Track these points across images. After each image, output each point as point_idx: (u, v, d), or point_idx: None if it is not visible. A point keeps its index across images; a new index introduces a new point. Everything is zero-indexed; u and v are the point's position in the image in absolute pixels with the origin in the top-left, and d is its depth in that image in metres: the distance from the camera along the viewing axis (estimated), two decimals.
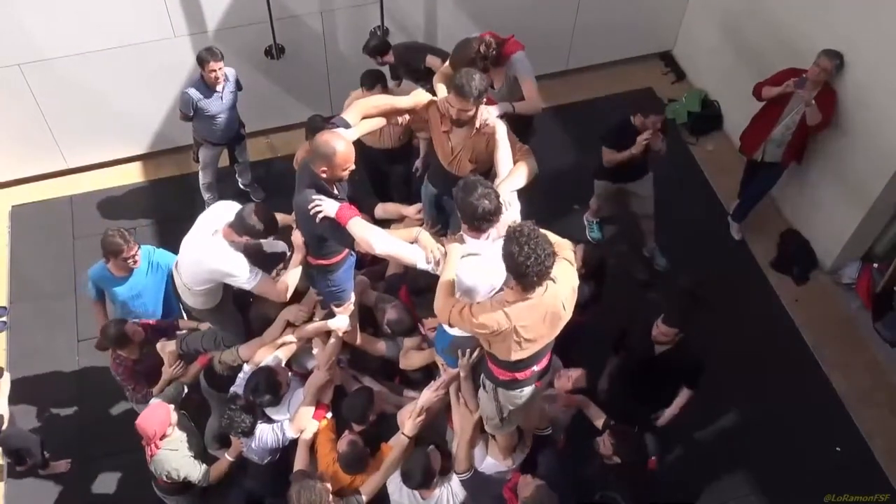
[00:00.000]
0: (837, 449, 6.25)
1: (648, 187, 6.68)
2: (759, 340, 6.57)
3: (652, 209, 6.80)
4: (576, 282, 3.82)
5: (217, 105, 6.64)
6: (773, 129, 6.63)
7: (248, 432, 4.72)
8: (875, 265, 7.04)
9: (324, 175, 4.05)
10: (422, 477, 4.29)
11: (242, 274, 4.40)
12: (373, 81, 6.06)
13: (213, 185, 7.35)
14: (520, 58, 5.35)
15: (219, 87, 6.59)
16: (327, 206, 4.00)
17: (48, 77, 7.01)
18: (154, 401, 5.00)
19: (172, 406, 4.94)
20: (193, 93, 6.56)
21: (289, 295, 4.54)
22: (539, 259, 3.40)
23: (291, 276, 4.52)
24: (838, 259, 7.11)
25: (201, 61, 6.42)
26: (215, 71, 6.42)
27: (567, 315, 3.81)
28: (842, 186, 6.80)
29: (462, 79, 4.33)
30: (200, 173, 7.29)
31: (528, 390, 4.06)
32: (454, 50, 5.09)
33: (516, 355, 3.77)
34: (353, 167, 4.13)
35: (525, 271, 3.43)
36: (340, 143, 4.00)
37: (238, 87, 6.80)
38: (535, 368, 3.97)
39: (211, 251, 4.41)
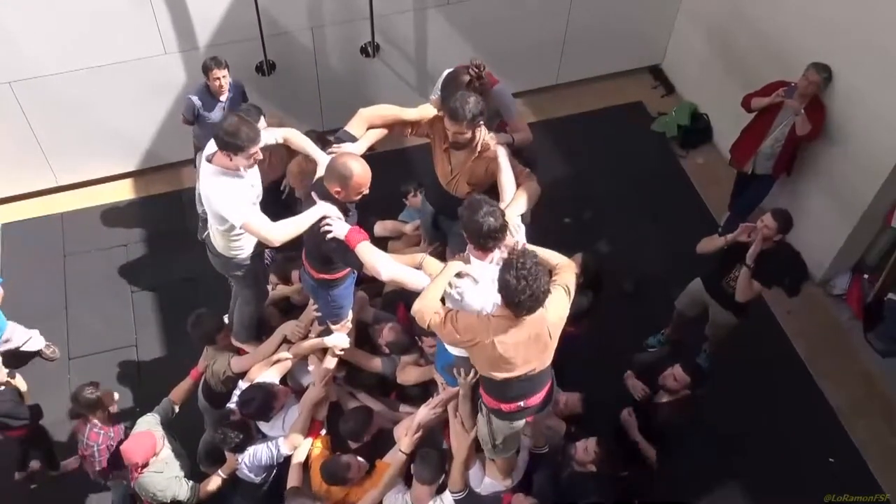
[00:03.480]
0: (831, 460, 6.27)
1: (727, 323, 6.11)
2: (751, 352, 6.57)
3: (716, 336, 6.37)
4: (565, 312, 3.82)
5: (219, 114, 6.63)
6: (763, 142, 6.68)
7: (240, 448, 4.70)
8: (865, 276, 7.08)
9: (337, 195, 4.04)
10: (439, 461, 4.37)
11: (227, 207, 4.19)
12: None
13: None
14: (502, 90, 5.24)
15: (222, 97, 6.61)
16: (337, 228, 3.99)
17: (38, 94, 7.00)
18: (139, 427, 4.95)
19: (161, 431, 4.91)
20: (196, 100, 6.59)
21: (279, 240, 4.19)
22: (534, 295, 3.46)
23: (291, 225, 4.14)
24: (829, 270, 7.14)
25: (205, 69, 6.45)
26: (219, 79, 6.45)
27: (551, 344, 3.81)
28: (832, 198, 6.84)
29: (456, 102, 4.29)
30: (197, 182, 7.29)
31: (518, 424, 4.06)
32: (443, 85, 4.91)
33: (497, 374, 3.77)
34: (366, 192, 4.08)
35: (517, 301, 3.48)
36: (358, 167, 3.98)
37: (244, 98, 6.81)
38: (522, 404, 3.95)
39: (202, 176, 4.32)
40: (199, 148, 6.99)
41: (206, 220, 4.75)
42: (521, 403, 3.93)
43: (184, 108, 6.76)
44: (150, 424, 4.94)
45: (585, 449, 4.61)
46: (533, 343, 3.72)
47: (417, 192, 5.90)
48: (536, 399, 4.00)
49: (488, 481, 4.47)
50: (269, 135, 4.37)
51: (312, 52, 7.55)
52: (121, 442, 5.04)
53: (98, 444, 5.06)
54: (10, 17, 6.45)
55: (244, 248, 4.63)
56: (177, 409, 5.15)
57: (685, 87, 8.82)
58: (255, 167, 4.39)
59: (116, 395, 5.19)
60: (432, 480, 4.36)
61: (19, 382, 5.67)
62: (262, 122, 5.50)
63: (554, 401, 4.89)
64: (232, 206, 4.19)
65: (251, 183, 4.39)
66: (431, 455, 4.36)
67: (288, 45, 7.40)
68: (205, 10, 6.94)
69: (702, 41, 8.25)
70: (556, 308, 3.74)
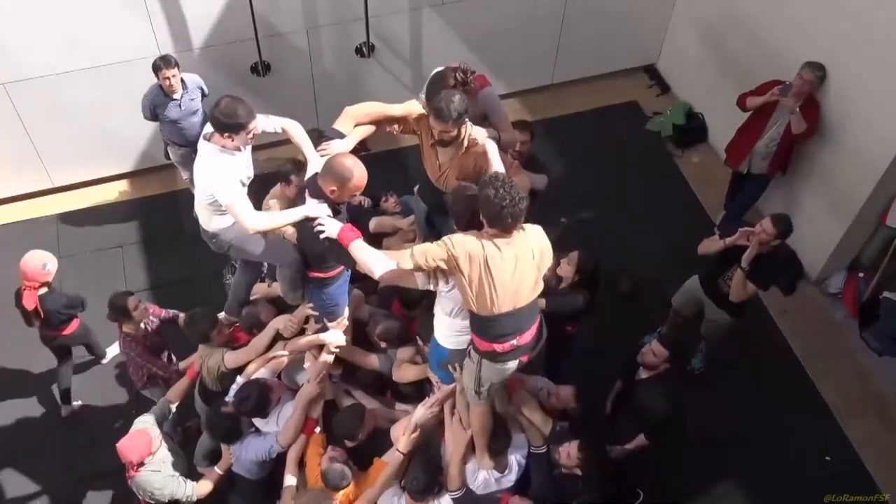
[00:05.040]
0: (827, 458, 6.28)
1: (721, 322, 6.14)
2: (747, 351, 6.58)
3: (713, 336, 6.40)
4: (547, 244, 3.96)
5: (175, 111, 6.70)
6: (758, 141, 6.69)
7: (232, 437, 4.72)
8: (861, 274, 7.09)
9: (331, 195, 4.04)
10: (426, 478, 4.32)
11: (220, 184, 4.20)
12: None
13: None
14: (490, 93, 5.21)
15: (175, 95, 6.66)
16: (330, 227, 4.00)
17: (33, 96, 6.99)
18: (136, 426, 4.94)
19: (157, 430, 4.90)
20: (149, 100, 6.68)
21: (255, 228, 4.26)
22: (514, 201, 3.64)
23: (275, 217, 4.26)
24: (824, 269, 7.16)
25: (155, 69, 6.52)
26: (168, 78, 6.50)
27: (537, 268, 3.86)
28: (827, 197, 6.85)
29: (441, 101, 4.29)
30: (180, 170, 7.39)
31: (511, 366, 4.05)
32: (429, 85, 4.88)
33: (490, 306, 3.78)
34: (359, 194, 4.14)
35: (500, 212, 3.65)
36: (358, 170, 3.99)
37: (203, 94, 6.85)
38: (516, 342, 3.94)
39: (200, 154, 4.35)
40: (167, 143, 7.07)
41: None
42: (514, 342, 3.94)
43: (142, 108, 6.81)
44: (145, 424, 4.94)
45: (568, 454, 4.57)
46: (521, 267, 3.80)
47: (388, 197, 5.94)
48: (528, 336, 4.01)
49: (483, 477, 4.47)
50: (269, 123, 4.39)
51: (308, 53, 7.55)
52: (156, 344, 5.67)
53: (134, 349, 5.50)
54: (4, 18, 6.45)
55: (226, 223, 4.57)
56: (174, 408, 5.15)
57: (680, 87, 8.83)
58: (249, 148, 4.41)
59: (149, 309, 5.64)
60: (423, 499, 4.36)
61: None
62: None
63: (549, 394, 4.89)
64: (224, 184, 4.22)
65: (246, 164, 4.41)
66: (419, 479, 4.33)
67: (283, 45, 7.40)
68: (199, 11, 6.94)
69: (697, 41, 8.27)
70: (537, 236, 3.91)
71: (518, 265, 3.79)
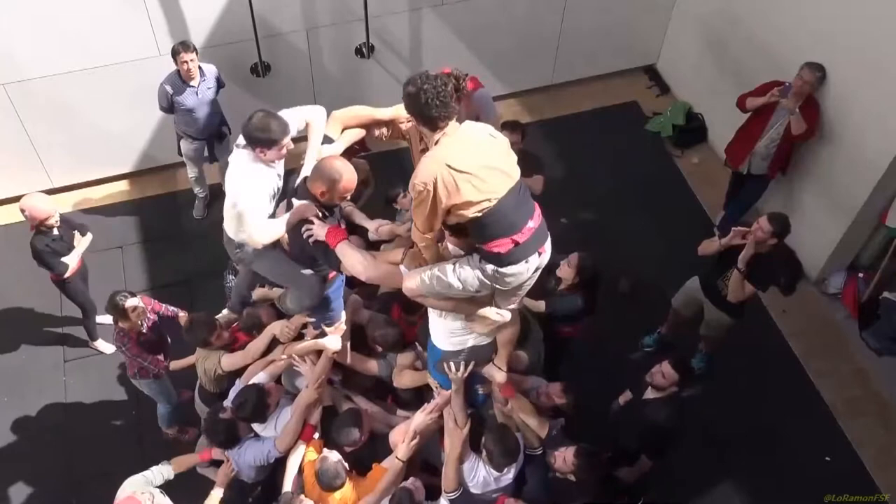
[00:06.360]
0: (827, 458, 6.28)
1: (721, 323, 6.15)
2: (747, 351, 6.59)
3: (712, 337, 6.38)
4: (486, 125, 3.76)
5: (192, 99, 6.70)
6: (758, 142, 6.69)
7: (228, 443, 4.72)
8: (860, 275, 7.10)
9: (321, 197, 4.02)
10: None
11: (247, 191, 4.15)
12: None
13: (200, 179, 7.42)
14: (483, 95, 5.12)
15: (193, 82, 6.65)
16: (317, 229, 3.98)
17: (33, 96, 6.98)
18: (124, 491, 4.75)
19: (147, 492, 4.71)
20: (167, 87, 6.67)
21: (261, 243, 4.21)
22: (436, 87, 3.42)
23: (276, 226, 4.18)
24: (824, 269, 7.16)
25: (174, 53, 6.51)
26: (186, 62, 6.49)
27: (498, 144, 3.69)
28: (826, 197, 6.85)
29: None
30: (187, 167, 7.36)
31: (533, 260, 3.83)
32: None
33: (490, 194, 3.56)
34: (348, 196, 4.10)
35: (427, 101, 3.43)
36: (347, 171, 3.96)
37: (220, 84, 6.86)
38: (531, 224, 3.75)
39: (233, 162, 4.29)
40: (180, 135, 7.05)
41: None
42: (530, 223, 3.74)
43: (158, 96, 6.80)
44: (134, 488, 4.73)
45: (564, 459, 4.53)
46: (478, 142, 3.61)
47: (406, 193, 5.92)
48: (538, 217, 3.82)
49: (482, 476, 4.46)
50: (294, 120, 4.30)
51: (307, 54, 7.55)
52: (151, 342, 5.61)
53: (125, 343, 5.48)
54: (4, 18, 6.44)
55: None
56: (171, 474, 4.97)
57: (680, 87, 8.83)
58: (282, 162, 4.34)
59: (144, 309, 5.54)
60: None
61: (81, 240, 6.29)
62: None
63: (538, 393, 4.87)
64: (251, 191, 4.17)
65: (278, 173, 4.36)
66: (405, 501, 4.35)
67: (283, 46, 7.39)
68: (199, 12, 6.93)
69: (696, 41, 8.27)
70: (473, 123, 3.70)
71: (473, 141, 3.60)
